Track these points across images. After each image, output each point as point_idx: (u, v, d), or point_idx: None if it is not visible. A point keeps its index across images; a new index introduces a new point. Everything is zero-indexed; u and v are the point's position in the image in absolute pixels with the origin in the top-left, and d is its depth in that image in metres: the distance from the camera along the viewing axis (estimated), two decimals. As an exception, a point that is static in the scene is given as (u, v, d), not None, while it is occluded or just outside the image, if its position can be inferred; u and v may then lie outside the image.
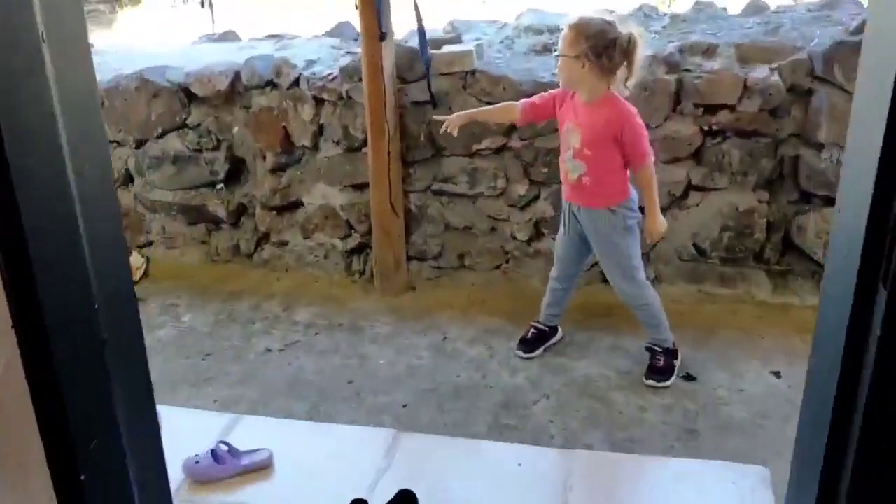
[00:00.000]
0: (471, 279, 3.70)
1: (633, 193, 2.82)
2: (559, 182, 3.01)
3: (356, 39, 3.66)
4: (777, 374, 2.97)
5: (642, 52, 2.68)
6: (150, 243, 4.13)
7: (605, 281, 3.14)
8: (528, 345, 3.12)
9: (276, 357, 3.25)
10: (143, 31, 9.84)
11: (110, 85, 3.82)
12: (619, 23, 2.65)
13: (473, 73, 3.38)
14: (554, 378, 3.00)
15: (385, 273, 3.65)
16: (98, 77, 3.69)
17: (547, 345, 3.14)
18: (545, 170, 3.43)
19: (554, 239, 3.42)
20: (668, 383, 2.89)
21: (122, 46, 4.53)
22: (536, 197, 3.50)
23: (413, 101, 3.48)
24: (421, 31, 3.26)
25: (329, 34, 4.20)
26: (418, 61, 3.42)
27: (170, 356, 3.30)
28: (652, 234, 2.84)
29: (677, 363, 2.94)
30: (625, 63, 2.65)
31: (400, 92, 3.46)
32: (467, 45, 3.54)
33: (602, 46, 2.60)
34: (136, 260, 4.10)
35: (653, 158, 2.76)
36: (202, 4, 7.32)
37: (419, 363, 3.15)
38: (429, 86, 3.36)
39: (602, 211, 2.80)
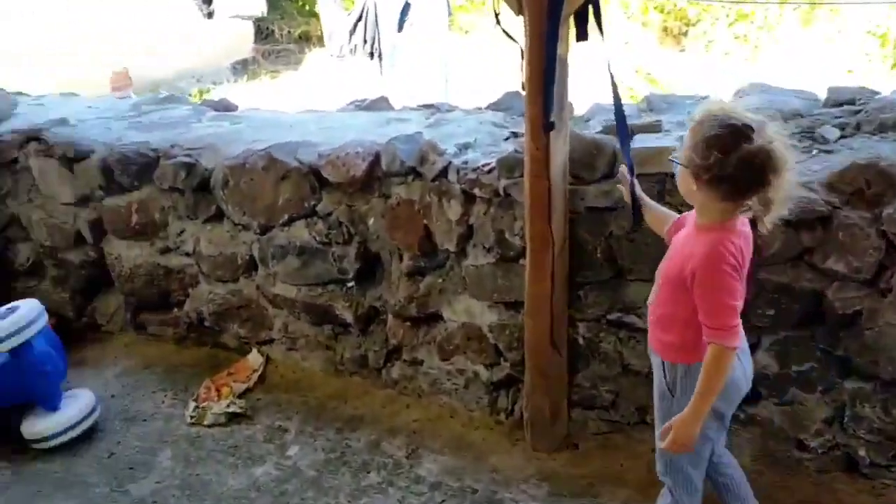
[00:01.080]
0: (654, 442, 2.78)
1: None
2: (786, 327, 2.19)
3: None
4: None
5: (789, 175, 1.85)
6: (270, 341, 3.56)
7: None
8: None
9: (387, 533, 2.51)
10: (320, 73, 9.71)
11: (237, 161, 3.30)
12: (770, 126, 1.85)
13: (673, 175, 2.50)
14: None
15: (538, 422, 2.82)
16: (229, 150, 3.15)
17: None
18: (770, 311, 2.47)
19: (776, 404, 2.48)
20: None
21: (263, 113, 4.05)
22: (755, 346, 2.54)
23: (589, 207, 2.65)
24: (620, 117, 2.35)
25: (494, 106, 3.47)
26: (601, 156, 2.60)
27: (260, 511, 2.66)
28: (672, 438, 2.01)
29: None
30: (758, 186, 1.85)
31: (573, 194, 2.65)
32: (668, 136, 2.67)
33: (716, 158, 1.83)
34: (254, 359, 3.54)
35: (736, 340, 1.92)
36: (371, 56, 6.90)
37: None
38: (634, 203, 2.32)
39: (656, 357, 2.17)
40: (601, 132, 2.78)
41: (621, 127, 2.34)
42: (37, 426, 3.07)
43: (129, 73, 9.92)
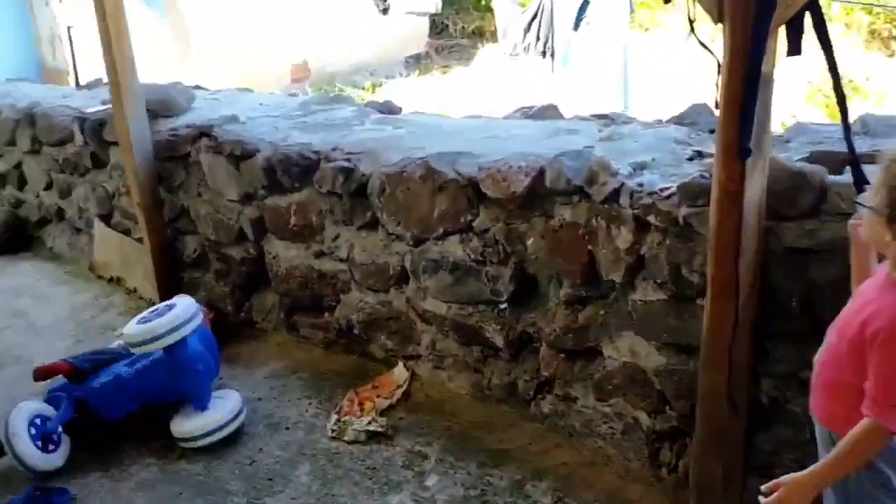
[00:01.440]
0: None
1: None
2: None
3: (713, 131, 2.53)
4: None
5: None
6: (417, 356, 3.41)
7: None
8: None
9: None
10: (492, 69, 9.53)
11: (394, 169, 3.16)
12: None
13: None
14: None
15: (707, 486, 2.47)
16: (388, 156, 3.02)
17: None
18: None
19: None
20: None
21: (426, 117, 3.91)
22: None
23: (787, 248, 2.26)
24: (851, 148, 1.95)
25: (677, 120, 3.11)
26: (806, 189, 2.20)
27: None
28: (779, 498, 1.74)
29: None
30: None
31: (768, 232, 2.27)
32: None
33: None
34: (399, 374, 3.41)
35: None
36: (543, 55, 6.60)
37: None
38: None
39: (822, 429, 1.89)
40: (805, 159, 2.38)
41: (855, 168, 1.96)
42: (185, 425, 3.08)
43: (308, 65, 10.26)
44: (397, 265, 3.31)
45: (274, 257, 3.80)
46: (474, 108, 4.74)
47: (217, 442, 3.06)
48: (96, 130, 4.60)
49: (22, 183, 5.62)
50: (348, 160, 3.36)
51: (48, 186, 5.36)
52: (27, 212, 5.72)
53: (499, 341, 3.05)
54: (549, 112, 3.53)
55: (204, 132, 3.92)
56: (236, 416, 3.14)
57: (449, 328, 3.20)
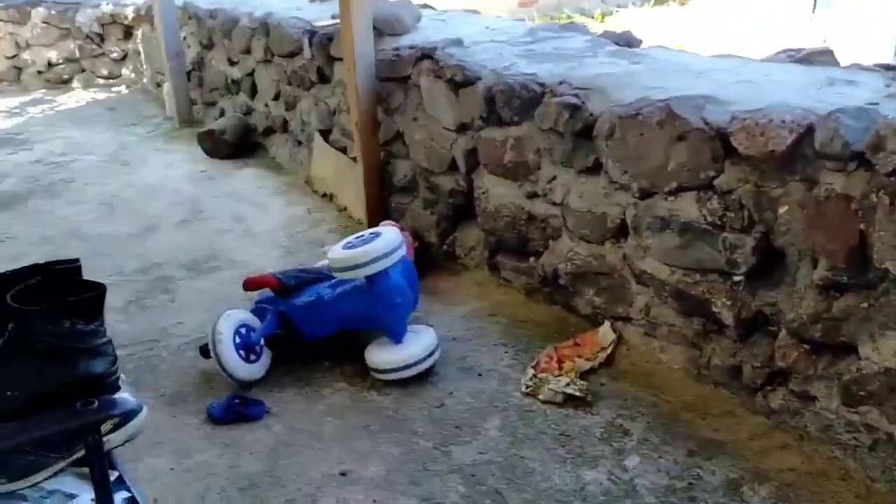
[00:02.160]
0: None
1: None
2: None
3: None
4: None
5: None
6: (627, 318, 3.10)
7: None
8: None
9: None
10: (741, 4, 8.61)
11: (628, 110, 2.81)
12: None
13: None
14: None
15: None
16: (622, 95, 2.68)
17: None
18: None
19: None
20: None
21: (669, 53, 3.47)
22: None
23: None
24: None
25: None
26: None
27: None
28: None
29: None
30: None
31: None
32: None
33: None
34: (604, 334, 3.13)
35: None
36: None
37: None
38: None
39: None
40: None
41: None
42: (380, 356, 3.02)
43: (536, -10, 9.87)
44: (617, 217, 3.00)
45: (483, 192, 3.61)
46: (718, 46, 4.19)
47: (408, 378, 2.97)
48: (324, 45, 4.60)
49: (253, 92, 5.84)
50: (576, 96, 3.04)
51: (276, 97, 5.52)
52: (255, 120, 5.96)
53: (727, 318, 2.67)
54: (821, 57, 2.98)
55: (426, 54, 3.75)
56: (430, 353, 3.03)
57: (669, 294, 2.86)
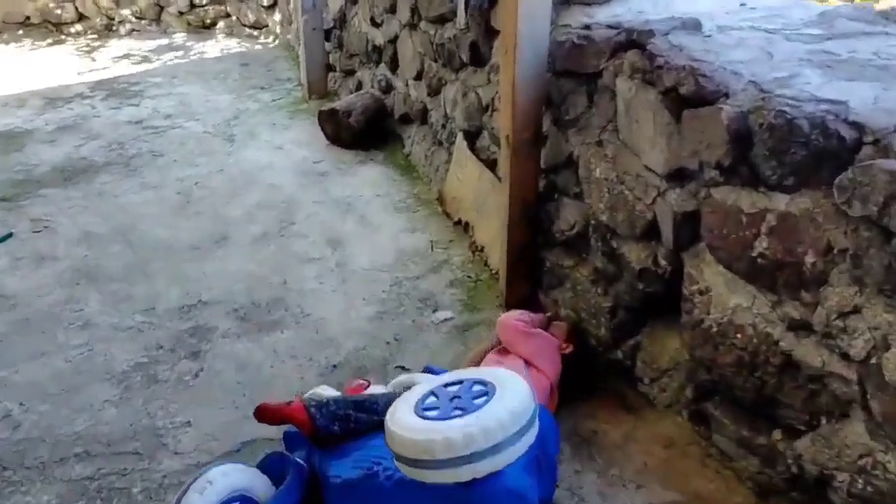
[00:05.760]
0: None
1: None
2: None
3: None
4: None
5: None
6: None
7: None
8: None
9: None
10: None
11: None
12: None
13: None
14: None
15: None
16: None
17: None
18: None
19: None
20: None
21: None
22: None
23: None
24: None
25: None
26: None
27: None
28: None
29: None
30: None
31: None
32: None
33: None
34: None
35: None
36: None
37: None
38: None
39: None
40: None
41: None
42: None
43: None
44: None
45: (701, 291, 2.08)
46: None
47: None
48: (483, 10, 3.20)
49: (395, 64, 4.53)
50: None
51: (418, 76, 4.17)
52: (393, 102, 4.66)
53: None
54: None
55: (634, 40, 2.24)
56: None
57: None
